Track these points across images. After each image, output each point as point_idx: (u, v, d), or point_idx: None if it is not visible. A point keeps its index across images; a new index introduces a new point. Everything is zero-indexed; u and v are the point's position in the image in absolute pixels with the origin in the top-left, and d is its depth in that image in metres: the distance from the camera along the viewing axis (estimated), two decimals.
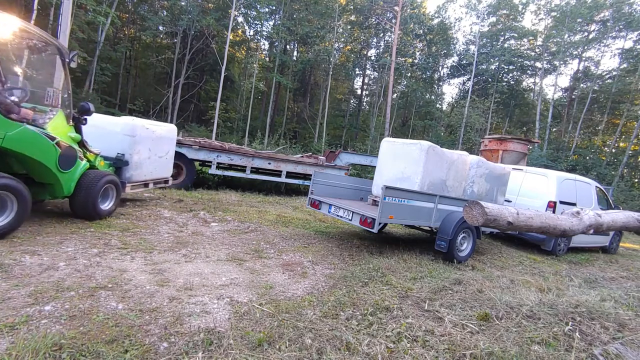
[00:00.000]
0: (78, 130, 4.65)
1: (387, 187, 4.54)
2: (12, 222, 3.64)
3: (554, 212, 6.93)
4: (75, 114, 4.63)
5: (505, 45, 29.61)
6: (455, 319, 3.06)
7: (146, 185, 6.17)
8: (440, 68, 34.03)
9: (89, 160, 4.86)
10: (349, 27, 30.16)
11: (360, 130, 32.34)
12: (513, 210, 4.40)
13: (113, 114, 21.04)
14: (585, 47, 25.79)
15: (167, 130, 6.56)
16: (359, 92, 36.40)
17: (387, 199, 4.53)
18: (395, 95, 31.01)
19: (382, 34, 31.05)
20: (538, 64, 29.15)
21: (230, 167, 9.69)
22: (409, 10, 28.04)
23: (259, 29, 28.63)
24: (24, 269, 3.06)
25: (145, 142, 5.87)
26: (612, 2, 23.69)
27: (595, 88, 25.88)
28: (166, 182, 6.85)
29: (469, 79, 30.54)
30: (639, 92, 24.46)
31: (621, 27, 23.94)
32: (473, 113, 27.08)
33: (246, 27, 29.06)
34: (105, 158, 5.39)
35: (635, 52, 24.13)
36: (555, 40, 26.49)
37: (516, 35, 29.58)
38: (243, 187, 10.26)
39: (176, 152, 8.31)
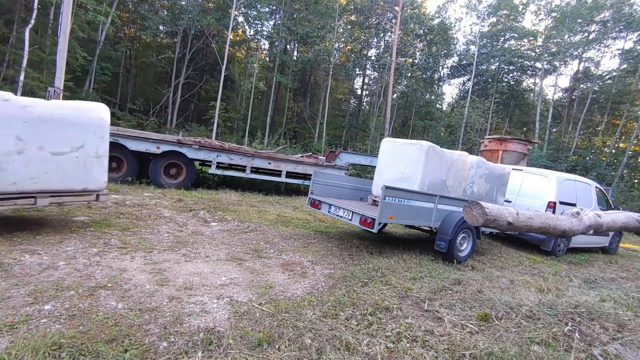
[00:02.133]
0: None
1: (387, 187, 4.54)
2: None
3: (553, 212, 6.93)
4: None
5: (506, 45, 29.60)
6: (455, 319, 3.06)
7: (31, 199, 3.83)
8: (440, 68, 34.03)
9: None
10: (349, 27, 30.16)
11: (360, 130, 32.34)
12: (513, 210, 4.40)
13: (113, 114, 21.11)
14: (586, 48, 25.79)
15: (72, 110, 4.09)
16: (359, 92, 36.43)
17: (387, 199, 4.53)
18: (395, 95, 31.00)
19: (382, 34, 31.04)
20: (538, 65, 29.15)
21: (230, 166, 9.69)
22: (409, 10, 28.03)
23: (259, 29, 28.63)
24: (24, 268, 3.07)
25: (8, 127, 3.60)
26: (613, 3, 23.68)
27: (595, 88, 25.88)
28: (97, 197, 4.41)
29: (469, 79, 30.53)
30: (639, 93, 24.45)
31: (621, 27, 23.94)
32: (473, 113, 27.08)
33: (246, 27, 29.07)
34: None
35: (635, 52, 24.11)
36: (555, 40, 26.48)
37: (516, 35, 29.57)
38: (243, 186, 10.26)
39: (176, 152, 8.32)
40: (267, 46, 30.62)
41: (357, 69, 33.12)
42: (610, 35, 24.91)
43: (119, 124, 18.14)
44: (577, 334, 2.87)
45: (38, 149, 3.81)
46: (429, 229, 5.91)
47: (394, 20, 25.24)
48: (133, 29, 27.00)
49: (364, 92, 36.36)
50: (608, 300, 3.91)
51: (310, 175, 6.92)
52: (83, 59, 17.70)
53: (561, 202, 7.26)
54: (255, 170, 9.72)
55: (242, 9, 25.35)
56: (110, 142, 7.63)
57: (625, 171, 24.73)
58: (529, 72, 31.16)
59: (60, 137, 3.97)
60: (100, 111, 4.36)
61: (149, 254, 3.89)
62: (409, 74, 30.90)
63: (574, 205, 7.38)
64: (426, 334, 2.74)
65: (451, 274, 4.46)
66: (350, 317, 2.95)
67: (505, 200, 7.14)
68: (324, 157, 11.32)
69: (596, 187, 8.45)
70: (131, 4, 25.50)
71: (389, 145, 5.80)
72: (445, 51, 32.26)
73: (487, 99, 28.89)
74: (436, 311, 3.22)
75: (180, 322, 2.54)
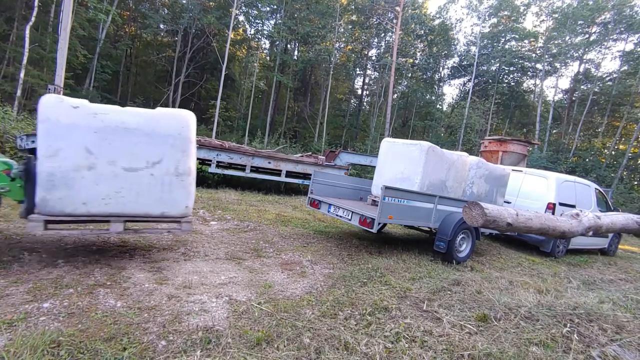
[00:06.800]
0: None
1: (386, 187, 4.54)
2: None
3: (553, 213, 6.93)
4: None
5: (506, 46, 29.57)
6: (454, 319, 3.06)
7: (104, 223, 3.36)
8: (440, 69, 34.01)
9: None
10: (350, 27, 30.13)
11: (361, 130, 32.33)
12: (512, 211, 4.40)
13: None
14: (586, 49, 25.78)
15: (147, 118, 3.37)
16: (359, 92, 36.42)
17: (386, 199, 4.53)
18: (395, 95, 30.99)
19: (383, 34, 31.02)
20: (539, 66, 29.13)
21: (230, 165, 9.69)
22: (410, 10, 28.01)
23: (259, 28, 28.62)
24: (23, 266, 3.06)
25: (74, 136, 3.05)
26: (614, 4, 23.68)
27: (596, 90, 25.88)
28: (178, 222, 3.59)
29: (469, 80, 30.53)
30: (639, 95, 24.47)
31: (622, 29, 23.93)
32: (473, 114, 27.08)
33: (247, 26, 29.05)
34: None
35: (636, 54, 24.09)
36: (556, 42, 26.49)
37: (517, 36, 29.53)
38: (243, 186, 10.26)
39: None
40: (267, 45, 30.65)
41: (358, 69, 33.13)
42: (611, 37, 24.90)
43: None
44: (575, 335, 2.87)
45: (111, 164, 3.21)
46: (429, 229, 5.91)
47: (394, 21, 25.22)
48: (134, 27, 26.99)
49: (365, 92, 36.39)
50: (607, 302, 3.91)
51: (310, 174, 6.91)
52: (83, 57, 17.69)
53: (560, 204, 7.26)
54: (255, 169, 9.72)
55: (243, 8, 25.33)
56: None
57: (624, 173, 24.74)
58: (529, 73, 31.15)
59: (137, 150, 3.30)
60: (181, 119, 3.48)
61: (148, 252, 3.89)
62: (410, 75, 30.88)
63: (573, 206, 7.38)
64: (425, 334, 2.75)
65: (450, 275, 4.46)
66: (349, 316, 2.95)
67: (505, 201, 7.14)
68: (324, 157, 11.32)
69: (596, 188, 8.45)
70: (132, 2, 25.48)
71: (389, 146, 5.80)
72: (446, 52, 32.24)
73: (487, 99, 28.87)
74: (435, 311, 3.22)
75: (179, 320, 2.54)
